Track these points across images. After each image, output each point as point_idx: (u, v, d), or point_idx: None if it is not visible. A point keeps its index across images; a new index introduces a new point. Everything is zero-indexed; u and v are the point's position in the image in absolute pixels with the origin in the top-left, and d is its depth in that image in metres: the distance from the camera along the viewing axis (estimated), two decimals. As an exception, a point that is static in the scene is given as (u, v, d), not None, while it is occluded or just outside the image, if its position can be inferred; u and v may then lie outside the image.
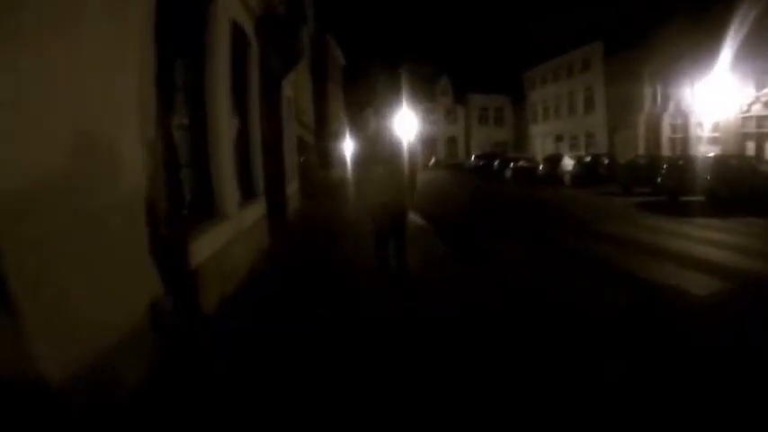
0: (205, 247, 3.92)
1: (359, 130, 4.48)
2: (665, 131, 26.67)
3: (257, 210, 6.75)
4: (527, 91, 42.87)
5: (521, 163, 26.17)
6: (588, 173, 18.03)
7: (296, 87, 14.93)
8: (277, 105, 8.41)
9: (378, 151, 3.92)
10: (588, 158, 19.40)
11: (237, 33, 5.76)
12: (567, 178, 18.82)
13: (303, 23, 10.81)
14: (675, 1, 23.12)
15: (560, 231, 8.64)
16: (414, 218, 9.07)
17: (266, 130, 7.77)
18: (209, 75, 4.64)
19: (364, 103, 45.79)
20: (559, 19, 39.21)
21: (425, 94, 45.27)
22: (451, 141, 47.70)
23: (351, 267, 5.84)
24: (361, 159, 4.05)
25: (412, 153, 4.05)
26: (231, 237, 4.89)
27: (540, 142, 39.83)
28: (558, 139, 36.92)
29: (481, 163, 30.64)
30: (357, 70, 40.38)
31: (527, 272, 5.83)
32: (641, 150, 25.84)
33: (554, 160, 21.16)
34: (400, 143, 4.02)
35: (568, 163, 19.12)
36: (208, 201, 4.68)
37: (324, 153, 28.72)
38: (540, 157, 30.65)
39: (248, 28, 6.38)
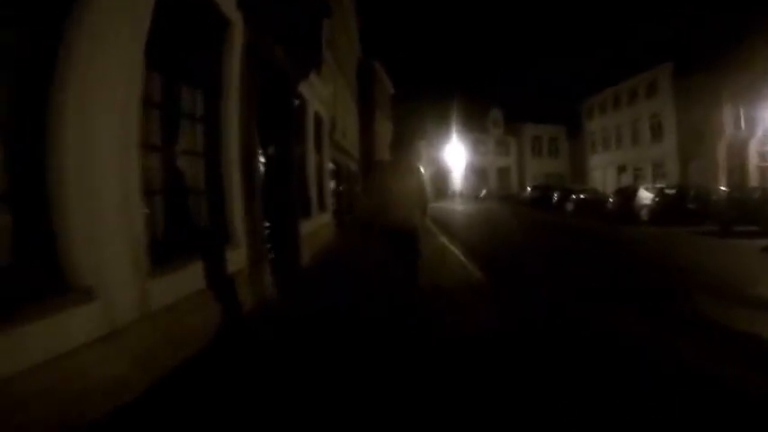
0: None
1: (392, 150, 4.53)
2: (753, 159, 23.64)
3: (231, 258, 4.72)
4: (584, 120, 40.44)
5: (583, 195, 23.70)
6: (672, 208, 15.37)
7: (332, 106, 13.70)
8: (289, 118, 6.95)
9: (396, 174, 4.19)
10: (672, 190, 16.67)
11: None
12: (644, 213, 16.28)
13: (323, 13, 9.25)
14: (755, 14, 20.76)
15: (687, 297, 5.47)
16: (469, 268, 7.50)
17: (276, 149, 6.38)
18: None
19: (411, 133, 45.06)
20: (618, 43, 37.06)
21: (476, 125, 43.70)
22: (503, 172, 45.47)
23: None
24: (381, 180, 4.28)
25: (424, 183, 4.34)
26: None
27: (600, 174, 36.94)
28: (620, 171, 34.02)
29: (538, 195, 28.20)
30: (406, 99, 39.54)
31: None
32: (722, 181, 22.85)
33: (627, 193, 18.60)
34: (419, 170, 4.33)
35: (646, 196, 16.57)
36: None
37: (368, 182, 27.46)
38: (601, 190, 28.04)
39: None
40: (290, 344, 3.96)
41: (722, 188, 16.78)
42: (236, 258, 4.79)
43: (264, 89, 5.92)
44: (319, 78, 10.98)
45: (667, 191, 16.43)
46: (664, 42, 29.03)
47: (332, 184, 14.19)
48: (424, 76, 62.33)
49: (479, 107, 44.03)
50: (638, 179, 31.12)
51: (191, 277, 3.83)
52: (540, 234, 14.04)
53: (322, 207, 11.20)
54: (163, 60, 3.64)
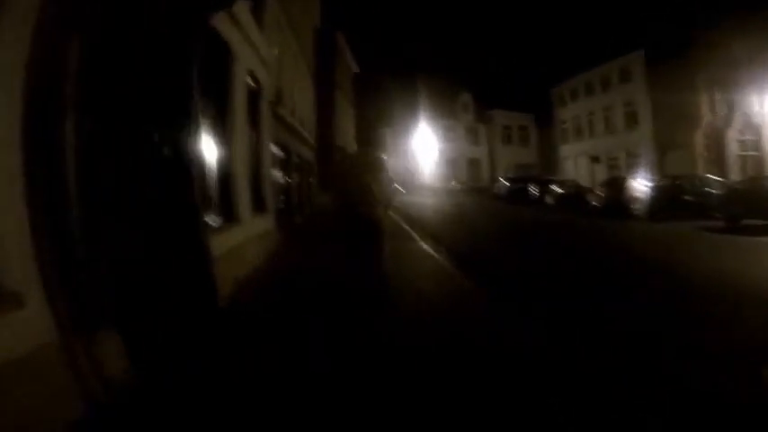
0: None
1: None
2: (732, 149, 22.63)
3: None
4: (555, 108, 38.93)
5: (564, 188, 22.06)
6: (668, 201, 13.69)
7: (277, 73, 10.90)
8: (186, 64, 4.17)
9: (361, 166, 4.30)
10: (667, 182, 15.00)
11: None
12: (637, 207, 14.49)
13: None
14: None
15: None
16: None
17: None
18: None
19: (375, 119, 42.35)
20: (589, 30, 35.65)
21: (446, 110, 41.34)
22: (474, 163, 43.13)
23: None
24: (346, 171, 4.40)
25: (389, 173, 4.39)
26: None
27: (572, 164, 35.63)
28: (593, 161, 32.70)
29: (516, 188, 26.19)
30: (370, 81, 36.86)
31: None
32: (700, 171, 21.77)
33: (616, 185, 16.79)
34: (383, 162, 4.37)
35: (640, 188, 14.75)
36: None
37: (327, 174, 24.28)
38: (575, 181, 26.43)
39: None
40: None
41: (719, 179, 15.23)
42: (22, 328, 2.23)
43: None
44: (259, 29, 8.23)
45: (662, 182, 14.73)
46: (634, 27, 27.68)
47: (277, 175, 11.37)
48: (389, 55, 59.41)
49: (449, 91, 41.66)
50: (612, 169, 29.92)
51: None
52: (530, 238, 11.61)
53: (259, 207, 8.16)
54: None
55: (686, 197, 13.84)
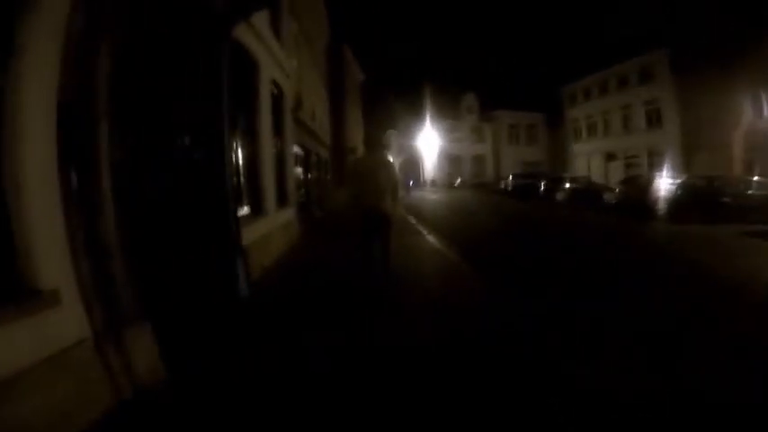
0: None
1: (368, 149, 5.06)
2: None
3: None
4: (566, 107, 38.52)
5: (576, 185, 21.69)
6: (700, 202, 12.84)
7: (297, 81, 10.92)
8: (217, 72, 4.08)
9: (371, 169, 4.74)
10: (701, 182, 13.77)
11: None
12: (662, 207, 14.01)
13: None
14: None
15: None
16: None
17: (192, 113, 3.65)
18: None
19: (381, 122, 42.40)
20: (601, 30, 35.38)
21: (449, 111, 41.24)
22: (478, 160, 43.16)
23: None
24: (357, 176, 4.82)
25: (397, 173, 4.90)
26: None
27: (585, 162, 35.17)
28: (608, 159, 32.28)
29: (522, 183, 25.93)
30: (376, 87, 37.03)
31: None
32: (736, 173, 20.93)
33: (638, 183, 16.34)
34: (390, 165, 4.91)
35: (666, 187, 14.26)
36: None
37: (340, 170, 25.16)
38: (590, 178, 26.11)
39: None
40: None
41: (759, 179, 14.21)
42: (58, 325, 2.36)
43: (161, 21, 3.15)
44: (279, 43, 8.21)
45: (694, 181, 14.10)
46: (655, 28, 27.28)
47: (298, 172, 11.39)
48: (393, 61, 59.39)
49: (452, 93, 41.64)
50: (630, 168, 29.52)
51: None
52: (541, 234, 11.00)
53: (283, 201, 8.33)
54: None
55: (724, 199, 12.75)
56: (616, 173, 30.49)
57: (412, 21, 68.68)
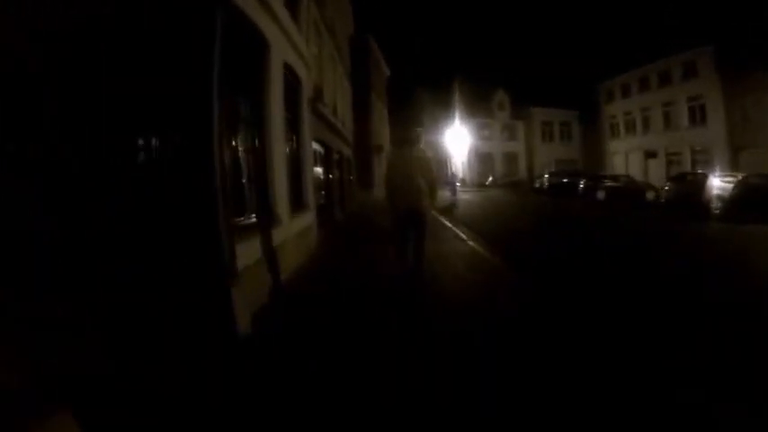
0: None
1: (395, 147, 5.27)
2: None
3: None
4: (601, 103, 36.75)
5: (617, 183, 20.57)
6: (758, 200, 11.70)
7: (317, 71, 10.22)
8: (208, 42, 3.29)
9: (406, 166, 4.59)
10: (757, 180, 12.61)
11: None
12: (715, 207, 12.80)
13: None
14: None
15: None
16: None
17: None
18: None
19: (408, 119, 41.50)
20: (639, 24, 33.54)
21: (480, 109, 39.93)
22: (509, 158, 41.44)
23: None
24: (394, 173, 4.67)
25: (434, 170, 4.74)
26: None
27: (623, 160, 33.42)
28: (648, 156, 30.50)
29: (558, 182, 24.73)
30: (402, 84, 36.22)
31: None
32: None
33: (691, 181, 15.02)
34: (427, 161, 4.70)
35: (720, 185, 13.00)
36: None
37: (365, 170, 24.32)
38: (632, 177, 24.58)
39: None
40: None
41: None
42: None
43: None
44: (296, 26, 7.46)
45: (753, 180, 12.78)
46: (699, 23, 25.75)
47: (318, 171, 10.58)
48: (421, 57, 58.32)
49: (483, 90, 40.23)
50: (672, 165, 27.85)
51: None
52: (603, 242, 9.56)
53: (299, 205, 7.47)
54: None
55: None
56: (657, 171, 28.87)
57: (440, 13, 67.40)
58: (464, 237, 9.29)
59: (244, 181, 4.93)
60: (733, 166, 22.54)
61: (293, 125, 7.49)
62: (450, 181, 20.35)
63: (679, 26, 27.41)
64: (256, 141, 5.32)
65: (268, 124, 5.53)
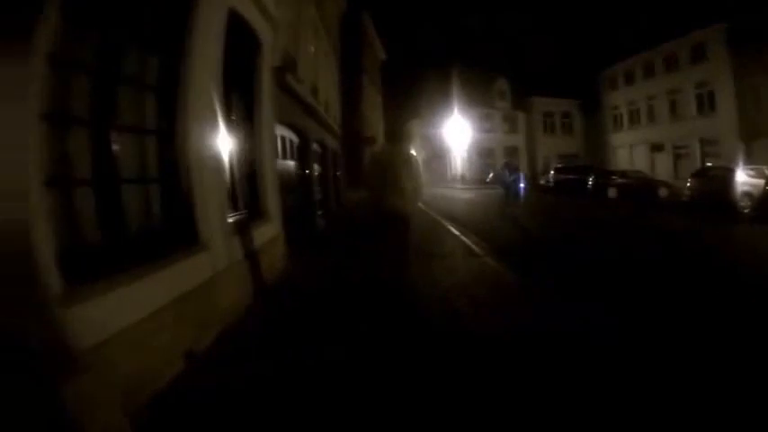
0: None
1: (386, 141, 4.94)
2: None
3: None
4: (603, 92, 35.09)
5: (627, 179, 19.21)
6: None
7: (290, 38, 8.56)
8: None
9: (393, 166, 4.39)
10: None
11: None
12: (744, 205, 11.34)
13: None
14: None
15: None
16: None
17: None
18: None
19: (404, 108, 39.70)
20: (647, 6, 31.87)
21: (480, 97, 38.05)
22: (510, 153, 39.22)
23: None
24: (379, 169, 4.49)
25: (420, 170, 4.57)
26: None
27: (627, 153, 31.92)
28: (654, 149, 29.02)
29: (565, 178, 23.16)
30: (399, 68, 34.38)
31: None
32: None
33: (716, 176, 13.51)
34: (417, 166, 4.52)
35: (748, 181, 11.51)
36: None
37: (355, 166, 22.00)
38: (643, 172, 23.09)
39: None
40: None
41: None
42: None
43: None
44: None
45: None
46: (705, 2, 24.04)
47: (290, 166, 8.89)
48: (419, 41, 56.28)
49: (483, 77, 38.28)
50: (680, 159, 26.37)
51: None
52: (638, 256, 7.38)
53: (255, 214, 5.69)
54: None
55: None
56: (664, 165, 27.37)
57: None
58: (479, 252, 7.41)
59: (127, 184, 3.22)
60: (747, 157, 21.11)
61: (243, 97, 5.83)
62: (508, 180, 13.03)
63: (686, 4, 25.67)
64: (163, 120, 3.63)
65: (186, 93, 3.80)
